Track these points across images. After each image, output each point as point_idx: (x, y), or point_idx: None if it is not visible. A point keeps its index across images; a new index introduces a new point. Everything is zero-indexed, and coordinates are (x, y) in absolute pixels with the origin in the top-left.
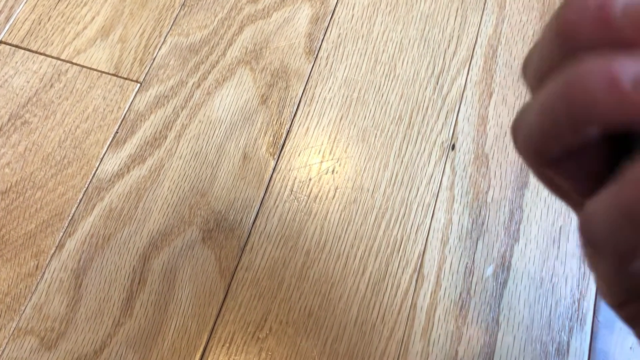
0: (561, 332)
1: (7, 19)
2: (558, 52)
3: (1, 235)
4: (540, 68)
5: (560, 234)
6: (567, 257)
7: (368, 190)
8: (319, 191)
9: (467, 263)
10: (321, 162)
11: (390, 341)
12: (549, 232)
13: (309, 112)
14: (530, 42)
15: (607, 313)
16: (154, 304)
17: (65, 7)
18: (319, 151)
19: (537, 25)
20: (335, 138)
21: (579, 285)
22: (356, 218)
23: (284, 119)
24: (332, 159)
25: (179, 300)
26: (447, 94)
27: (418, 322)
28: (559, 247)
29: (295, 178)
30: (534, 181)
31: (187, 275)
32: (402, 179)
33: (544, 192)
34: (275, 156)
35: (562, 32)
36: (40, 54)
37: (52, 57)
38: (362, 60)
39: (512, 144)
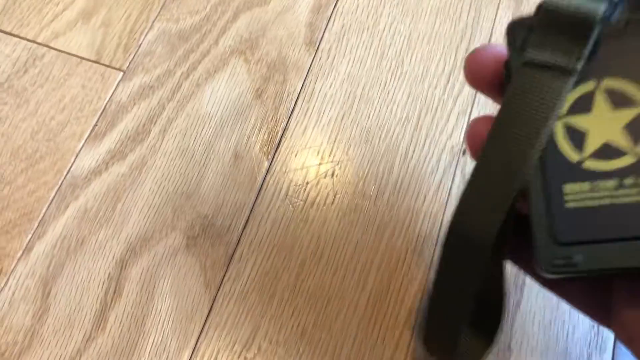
0: (579, 359)
1: None
2: None
3: None
4: None
5: None
6: None
7: (370, 196)
8: (317, 196)
9: None
10: (320, 164)
11: None
12: None
13: (307, 109)
14: None
15: None
16: (130, 316)
17: None
18: (318, 152)
19: None
20: (335, 138)
21: None
22: (357, 227)
23: (280, 115)
24: (331, 161)
25: (158, 314)
26: (458, 95)
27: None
28: None
29: (291, 181)
30: None
31: (168, 285)
32: (408, 186)
33: None
34: (269, 156)
35: None
36: (14, 35)
37: (28, 39)
38: (367, 55)
39: None
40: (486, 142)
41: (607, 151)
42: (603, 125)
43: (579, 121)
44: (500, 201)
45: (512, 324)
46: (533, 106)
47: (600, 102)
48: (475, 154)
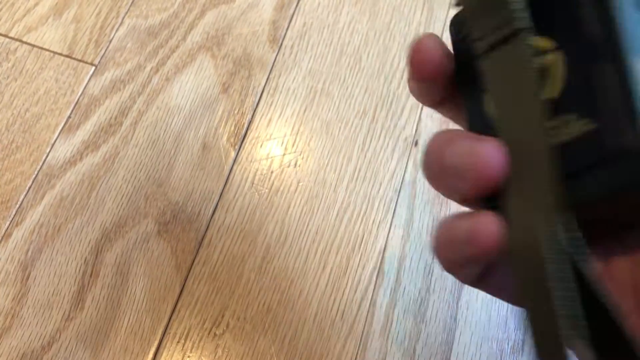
0: (517, 330)
1: None
2: None
3: None
4: None
5: None
6: None
7: (331, 184)
8: (281, 184)
9: (427, 260)
10: (283, 154)
11: (349, 338)
12: None
13: (271, 102)
14: None
15: None
16: (106, 298)
17: None
18: (282, 143)
19: None
20: (298, 130)
21: None
22: (318, 213)
23: (245, 108)
24: (294, 152)
25: (133, 295)
26: None
27: (377, 320)
28: None
29: (257, 170)
30: None
31: (142, 268)
32: (365, 174)
33: None
34: (236, 147)
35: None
36: None
37: (0, 34)
38: (327, 51)
39: None
40: (499, 130)
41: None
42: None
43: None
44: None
45: (459, 299)
46: (518, 82)
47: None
48: (421, 76)
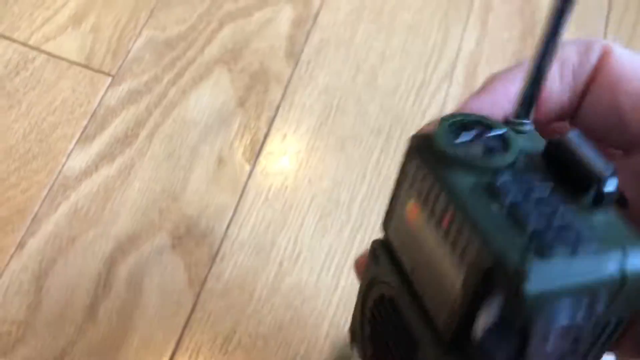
0: None
1: None
2: None
3: None
4: None
5: None
6: None
7: (344, 202)
8: (295, 200)
9: None
10: (298, 170)
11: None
12: None
13: (287, 117)
14: (510, 60)
15: None
16: (119, 311)
17: None
18: (297, 159)
19: (518, 42)
20: (313, 146)
21: None
22: (331, 230)
23: (261, 123)
24: (309, 168)
25: (145, 309)
26: (426, 108)
27: None
28: None
29: (271, 185)
30: None
31: (155, 282)
32: (379, 193)
33: None
34: (251, 162)
35: None
36: (6, 38)
37: (19, 42)
38: (344, 68)
39: None
40: None
41: None
42: None
43: None
44: None
45: None
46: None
47: None
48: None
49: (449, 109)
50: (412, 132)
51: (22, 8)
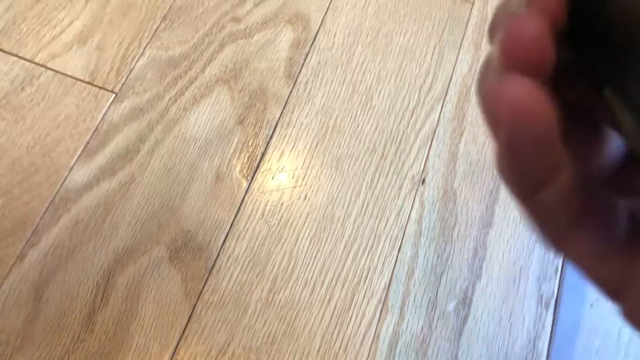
0: None
1: None
2: None
3: None
4: None
5: (520, 274)
6: (525, 297)
7: (339, 218)
8: (290, 216)
9: (430, 297)
10: (294, 187)
11: None
12: (510, 272)
13: (285, 136)
14: None
15: (560, 355)
16: (115, 322)
17: (42, 9)
18: (293, 176)
19: None
20: (309, 164)
21: (535, 326)
22: (325, 246)
23: (259, 141)
24: (305, 185)
25: (142, 320)
26: (420, 129)
27: (380, 354)
28: (518, 287)
29: (268, 202)
30: (498, 221)
31: (152, 294)
32: (373, 210)
33: (507, 233)
34: (248, 178)
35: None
36: (13, 55)
37: (25, 59)
38: (340, 89)
39: (480, 182)
40: None
41: None
42: None
43: None
44: None
45: (460, 337)
46: None
47: None
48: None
49: (442, 129)
50: (407, 151)
51: (30, 26)
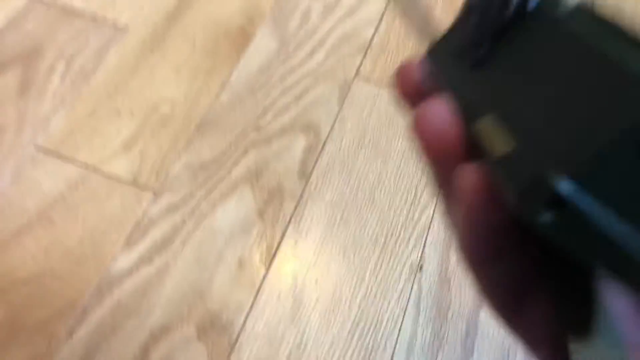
0: None
1: (45, 128)
2: None
3: (18, 320)
4: None
5: (509, 352)
6: None
7: (346, 301)
8: (303, 299)
9: None
10: (306, 273)
11: None
12: (500, 349)
13: (298, 227)
14: None
15: None
16: None
17: (96, 122)
18: (306, 263)
19: None
20: (320, 252)
21: None
22: (334, 325)
23: (276, 232)
24: (316, 271)
25: None
26: (417, 222)
27: None
28: None
29: (283, 285)
30: None
31: None
32: (376, 293)
33: None
34: (267, 265)
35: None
36: (69, 160)
37: (79, 164)
38: (346, 187)
39: None
40: None
41: None
42: None
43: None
44: None
45: None
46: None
47: None
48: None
49: (437, 222)
50: (406, 242)
51: (85, 135)
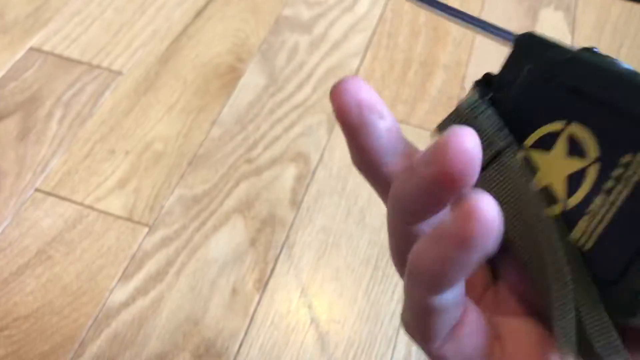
0: None
1: (43, 171)
2: None
3: (19, 356)
4: None
5: None
6: None
7: (339, 322)
8: (297, 323)
9: None
10: (299, 297)
11: None
12: None
13: (290, 254)
14: None
15: None
16: None
17: (91, 162)
18: (298, 288)
19: None
20: (312, 276)
21: None
22: (328, 348)
23: (269, 259)
24: (309, 295)
25: None
26: None
27: None
28: None
29: (277, 311)
30: None
31: None
32: (369, 314)
33: None
34: (260, 291)
35: None
36: (67, 200)
37: (77, 203)
38: (337, 212)
39: None
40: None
41: (544, 194)
42: (553, 167)
43: (536, 157)
44: None
45: None
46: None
47: (560, 145)
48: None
49: None
50: None
51: (81, 176)
